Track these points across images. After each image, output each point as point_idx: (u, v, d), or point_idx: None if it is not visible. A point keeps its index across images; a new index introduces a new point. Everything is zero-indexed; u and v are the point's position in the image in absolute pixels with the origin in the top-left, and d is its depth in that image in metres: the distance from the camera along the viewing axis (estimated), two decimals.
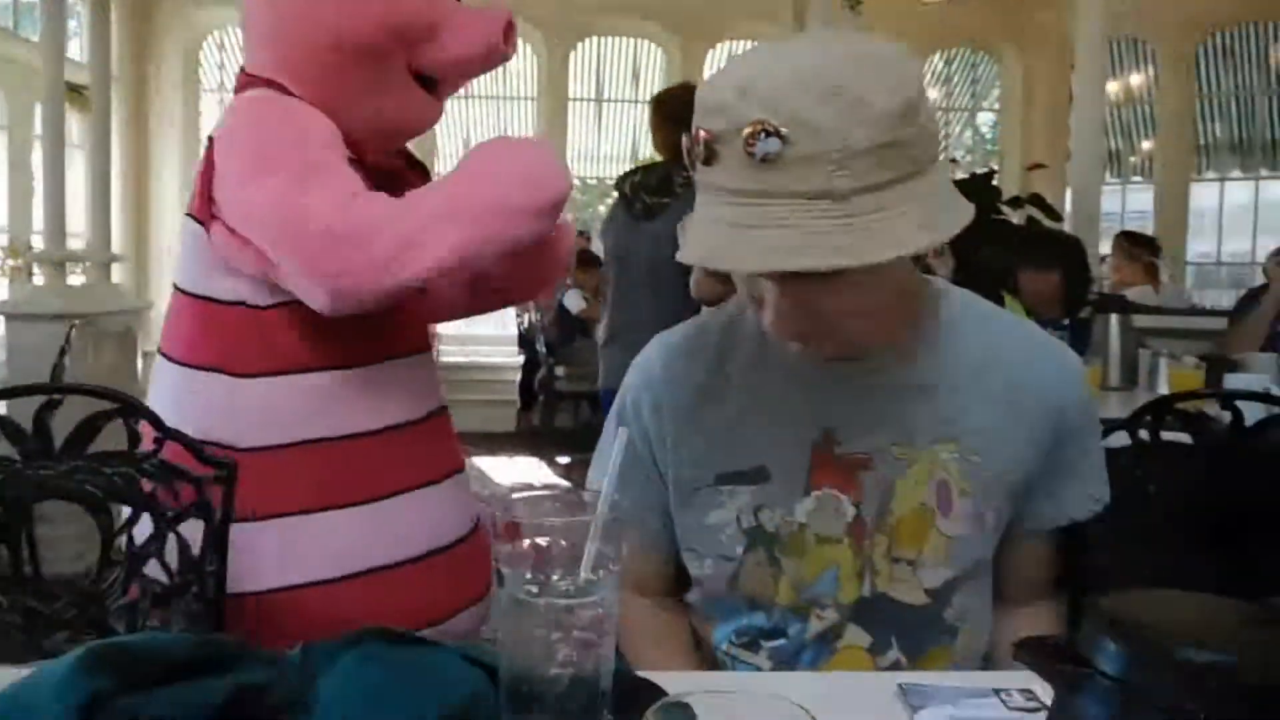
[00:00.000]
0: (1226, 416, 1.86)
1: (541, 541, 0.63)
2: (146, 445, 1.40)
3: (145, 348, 7.09)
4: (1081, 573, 1.74)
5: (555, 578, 0.62)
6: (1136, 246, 6.01)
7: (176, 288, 1.48)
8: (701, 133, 0.85)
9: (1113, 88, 8.49)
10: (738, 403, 1.03)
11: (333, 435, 1.43)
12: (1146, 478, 1.61)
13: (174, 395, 1.45)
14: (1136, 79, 8.69)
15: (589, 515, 0.64)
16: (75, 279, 4.86)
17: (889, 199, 0.82)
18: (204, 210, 1.45)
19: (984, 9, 8.00)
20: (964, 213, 0.88)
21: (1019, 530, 1.06)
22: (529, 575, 0.62)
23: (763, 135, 0.80)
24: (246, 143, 1.42)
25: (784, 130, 0.79)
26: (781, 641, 1.02)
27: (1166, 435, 1.69)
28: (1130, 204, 8.84)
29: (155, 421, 1.32)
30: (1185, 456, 1.59)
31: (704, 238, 0.86)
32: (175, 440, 1.32)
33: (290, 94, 1.49)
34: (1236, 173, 8.58)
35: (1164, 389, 2.58)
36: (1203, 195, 8.55)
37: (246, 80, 1.51)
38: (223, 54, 7.87)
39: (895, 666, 1.00)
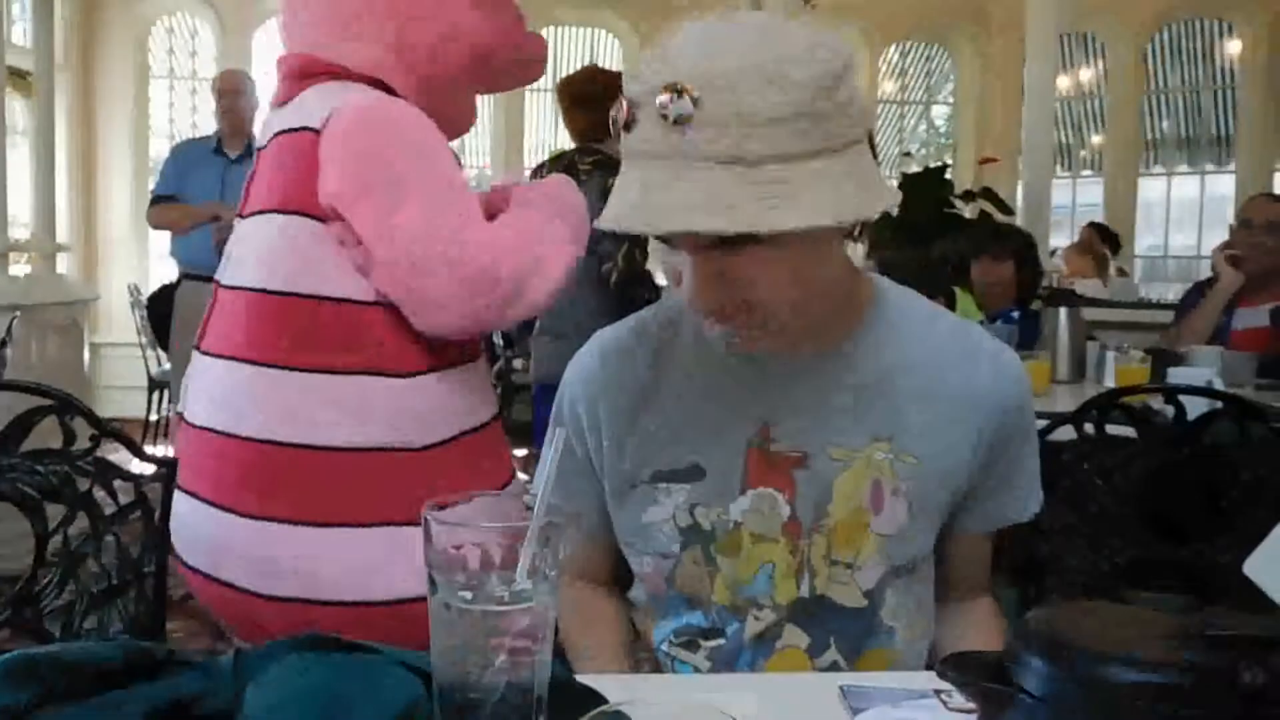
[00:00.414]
0: (1171, 410, 1.89)
1: (476, 545, 0.61)
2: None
3: (92, 339, 6.96)
4: (1032, 564, 1.77)
5: (490, 583, 0.61)
6: (1103, 240, 6.11)
7: (263, 290, 1.42)
8: (623, 99, 0.85)
9: (1063, 82, 8.59)
10: (674, 401, 1.03)
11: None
12: (1093, 472, 1.63)
13: (297, 402, 1.40)
14: (1086, 73, 8.79)
15: (526, 518, 0.63)
16: (19, 269, 4.75)
17: (799, 172, 0.82)
18: (317, 207, 1.42)
19: (939, 3, 8.05)
20: (881, 198, 0.88)
21: (957, 529, 1.06)
22: (463, 580, 0.61)
23: (674, 96, 0.80)
24: (384, 158, 1.40)
25: (696, 92, 0.80)
26: (720, 641, 1.02)
27: (1112, 429, 1.72)
28: (1081, 197, 8.95)
29: (92, 418, 1.29)
30: (1131, 450, 1.62)
31: (617, 201, 0.86)
32: (113, 436, 1.29)
33: (393, 93, 1.49)
34: (1183, 167, 8.72)
35: (1111, 382, 2.61)
36: (1151, 189, 8.68)
37: (335, 71, 1.49)
38: (172, 39, 7.70)
39: (834, 667, 1.01)
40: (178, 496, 1.41)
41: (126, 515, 1.26)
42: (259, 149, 1.57)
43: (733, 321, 0.91)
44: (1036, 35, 4.81)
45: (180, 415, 1.53)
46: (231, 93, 4.28)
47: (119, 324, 6.56)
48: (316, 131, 1.43)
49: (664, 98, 0.80)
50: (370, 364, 1.42)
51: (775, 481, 0.99)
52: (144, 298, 5.56)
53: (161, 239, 4.65)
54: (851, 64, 0.87)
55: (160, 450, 5.51)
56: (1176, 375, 2.29)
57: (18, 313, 3.60)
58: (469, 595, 0.60)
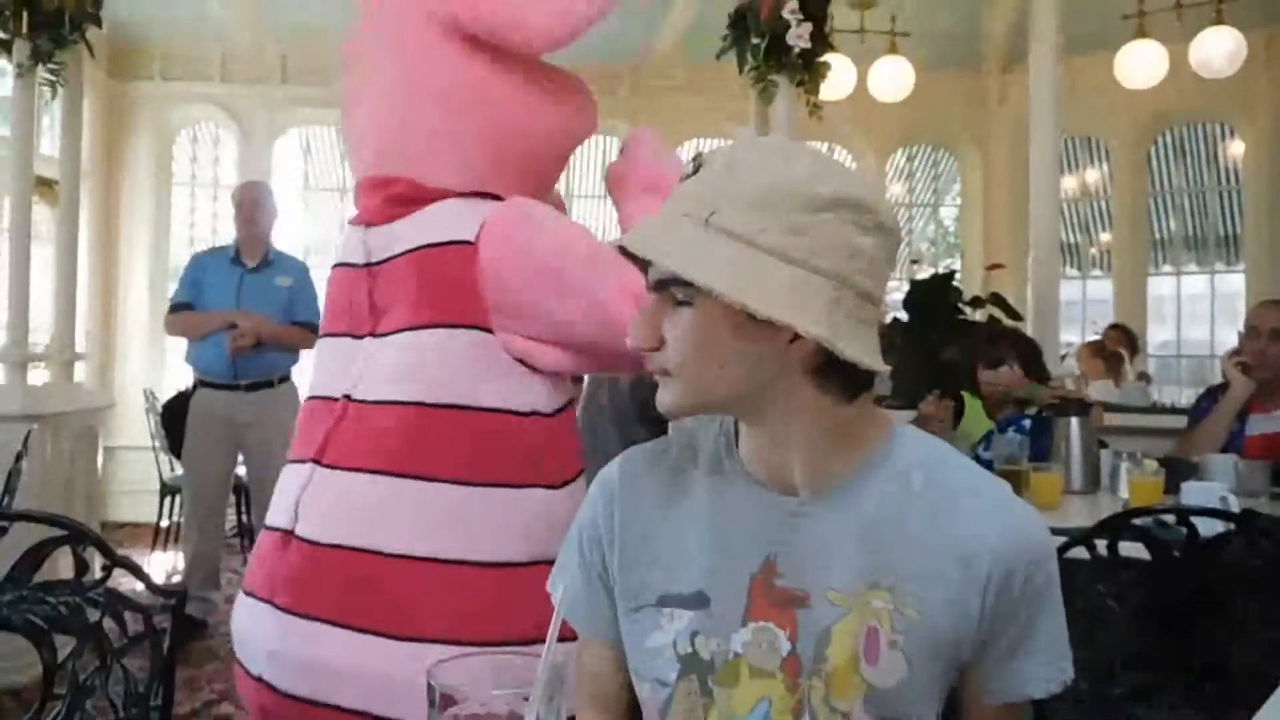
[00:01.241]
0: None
1: (476, 709, 0.61)
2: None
3: (106, 443, 7.00)
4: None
5: None
6: (1123, 339, 6.11)
7: (422, 404, 1.43)
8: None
9: (1070, 183, 8.72)
10: (687, 526, 1.04)
11: None
12: (1105, 594, 1.62)
13: (465, 516, 1.39)
14: (1092, 175, 8.94)
15: (528, 679, 0.63)
16: (37, 374, 4.81)
17: (742, 253, 0.89)
18: (484, 317, 1.45)
19: (944, 110, 8.23)
20: (843, 339, 0.91)
21: (972, 698, 1.02)
22: None
23: (693, 165, 0.96)
24: (549, 263, 1.47)
25: (704, 159, 0.95)
26: None
27: (1125, 547, 1.71)
28: (1091, 293, 9.01)
29: (104, 548, 1.30)
30: (1143, 571, 1.60)
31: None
32: (123, 567, 1.30)
33: (498, 198, 1.57)
34: (1192, 266, 8.79)
35: (1124, 494, 2.59)
36: (1161, 286, 8.73)
37: (431, 193, 1.54)
38: (195, 147, 7.92)
39: None
40: (274, 618, 1.38)
41: (134, 646, 1.26)
42: (367, 264, 1.57)
43: (649, 360, 0.98)
44: (1040, 140, 4.90)
45: (283, 530, 1.48)
46: (251, 203, 4.38)
47: (133, 428, 6.60)
48: (472, 243, 1.46)
49: (688, 166, 0.96)
50: (533, 477, 1.44)
51: (777, 617, 0.98)
52: (159, 403, 5.60)
53: (178, 345, 4.72)
54: (847, 200, 0.91)
55: (170, 555, 5.49)
56: (1189, 490, 2.27)
57: (35, 425, 3.62)
58: None
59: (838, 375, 0.95)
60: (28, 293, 4.03)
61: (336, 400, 1.52)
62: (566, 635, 1.07)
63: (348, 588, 1.39)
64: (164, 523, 5.72)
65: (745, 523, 1.01)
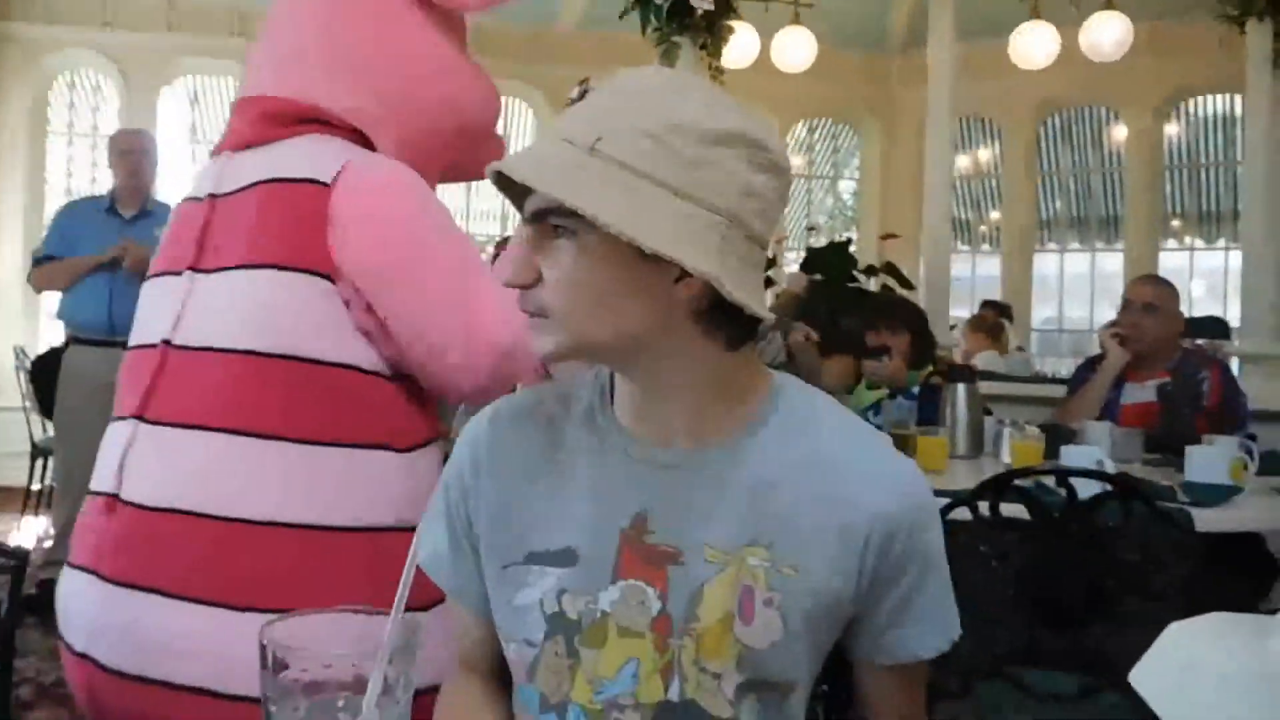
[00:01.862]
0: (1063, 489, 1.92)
1: (316, 671, 0.56)
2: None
3: None
4: None
5: (331, 717, 0.56)
6: (998, 315, 6.31)
7: (252, 352, 1.31)
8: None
9: (963, 161, 8.93)
10: (557, 480, 0.99)
11: None
12: (988, 554, 1.64)
13: (299, 476, 1.29)
14: (985, 154, 9.16)
15: (372, 638, 0.58)
16: None
17: (629, 183, 0.85)
18: (328, 265, 1.33)
19: (847, 85, 8.32)
20: (730, 272, 0.87)
21: (863, 660, 1.00)
22: (301, 712, 0.56)
23: (578, 88, 0.91)
24: (414, 231, 1.38)
25: (591, 87, 0.90)
26: None
27: (1006, 508, 1.74)
28: (980, 270, 9.25)
29: None
30: (1024, 532, 1.63)
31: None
32: None
33: (370, 145, 1.46)
34: (1075, 245, 9.09)
35: (1007, 459, 2.65)
36: (1046, 264, 9.03)
37: (319, 118, 1.44)
38: (73, 94, 7.52)
39: None
40: (98, 588, 1.28)
41: None
42: (211, 196, 1.44)
43: (522, 300, 0.93)
44: (935, 119, 4.99)
45: (107, 495, 1.35)
46: (138, 152, 4.15)
47: (4, 388, 6.26)
48: (326, 185, 1.35)
49: (574, 91, 0.90)
50: (379, 437, 1.34)
51: (647, 575, 0.94)
52: (29, 361, 5.32)
53: (52, 301, 4.47)
54: (742, 141, 0.88)
55: (43, 520, 5.23)
56: (1069, 454, 2.33)
57: None
58: None
59: (723, 320, 0.91)
60: None
61: (155, 346, 1.38)
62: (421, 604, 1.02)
63: (179, 555, 1.28)
64: (35, 485, 5.45)
65: (617, 477, 0.97)
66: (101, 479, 1.38)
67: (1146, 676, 0.67)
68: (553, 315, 0.91)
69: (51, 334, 5.64)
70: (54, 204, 6.91)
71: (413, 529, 0.95)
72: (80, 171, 7.41)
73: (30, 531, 5.40)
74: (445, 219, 1.44)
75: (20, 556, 1.19)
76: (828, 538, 0.93)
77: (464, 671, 1.08)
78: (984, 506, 1.66)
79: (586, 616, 0.95)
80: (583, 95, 0.90)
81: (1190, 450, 2.29)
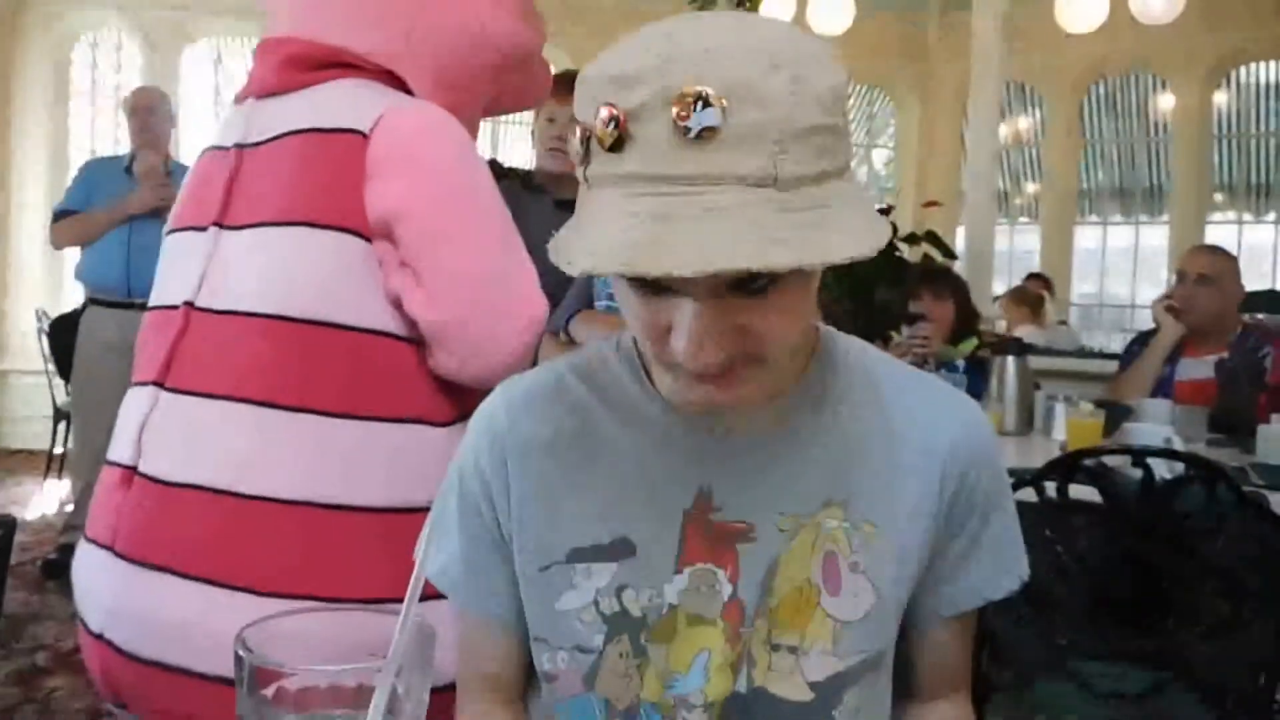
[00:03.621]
0: (1127, 467, 1.79)
1: (307, 687, 0.45)
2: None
3: None
4: (980, 641, 1.64)
5: None
6: (1040, 287, 6.15)
7: (283, 317, 1.20)
8: (608, 111, 0.66)
9: (1002, 131, 8.69)
10: (597, 466, 0.87)
11: None
12: (1052, 540, 1.52)
13: (331, 454, 1.19)
14: (1025, 123, 8.92)
15: (376, 642, 0.47)
16: None
17: (828, 194, 0.68)
18: (365, 224, 1.23)
19: (883, 50, 8.10)
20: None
21: (923, 615, 0.91)
22: None
23: (699, 105, 0.64)
24: (460, 185, 1.27)
25: (724, 100, 0.64)
26: None
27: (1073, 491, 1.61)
28: (1017, 244, 9.05)
29: None
30: (1093, 517, 1.50)
31: (618, 238, 0.65)
32: None
33: (406, 90, 1.35)
34: (1118, 218, 8.86)
35: (1060, 435, 2.52)
36: (1086, 238, 8.81)
37: (350, 62, 1.33)
38: (95, 54, 7.43)
39: None
40: (114, 567, 1.18)
41: None
42: (238, 146, 1.33)
43: (726, 378, 0.74)
44: (981, 83, 4.81)
45: (124, 466, 1.26)
46: (145, 110, 4.07)
47: (27, 351, 6.23)
48: (364, 135, 1.24)
49: (683, 104, 0.64)
50: (418, 411, 1.23)
51: (716, 557, 0.84)
52: (49, 323, 5.27)
53: (71, 261, 4.39)
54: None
55: (66, 484, 5.19)
56: (1136, 432, 2.19)
57: None
58: None
59: None
60: None
61: (176, 308, 1.28)
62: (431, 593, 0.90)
63: (202, 534, 1.18)
64: (58, 449, 5.42)
65: (672, 455, 0.86)
66: (119, 449, 1.28)
67: None
68: (768, 362, 0.75)
69: (74, 296, 5.58)
70: (77, 166, 6.85)
71: None
72: (103, 133, 7.33)
73: (53, 495, 5.37)
74: (485, 173, 1.32)
75: (7, 524, 1.08)
76: (903, 485, 0.86)
77: (477, 698, 0.95)
78: (1051, 489, 1.53)
79: (652, 612, 0.85)
80: (718, 104, 0.64)
81: (1263, 429, 2.15)
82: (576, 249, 0.68)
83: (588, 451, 0.88)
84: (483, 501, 0.89)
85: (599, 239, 0.66)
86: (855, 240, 0.66)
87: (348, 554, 1.17)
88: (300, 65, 1.32)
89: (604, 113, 0.66)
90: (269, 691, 0.45)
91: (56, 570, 3.97)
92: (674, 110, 0.64)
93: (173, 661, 1.16)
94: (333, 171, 1.23)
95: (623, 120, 0.66)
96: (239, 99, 1.40)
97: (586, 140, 0.69)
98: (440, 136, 1.28)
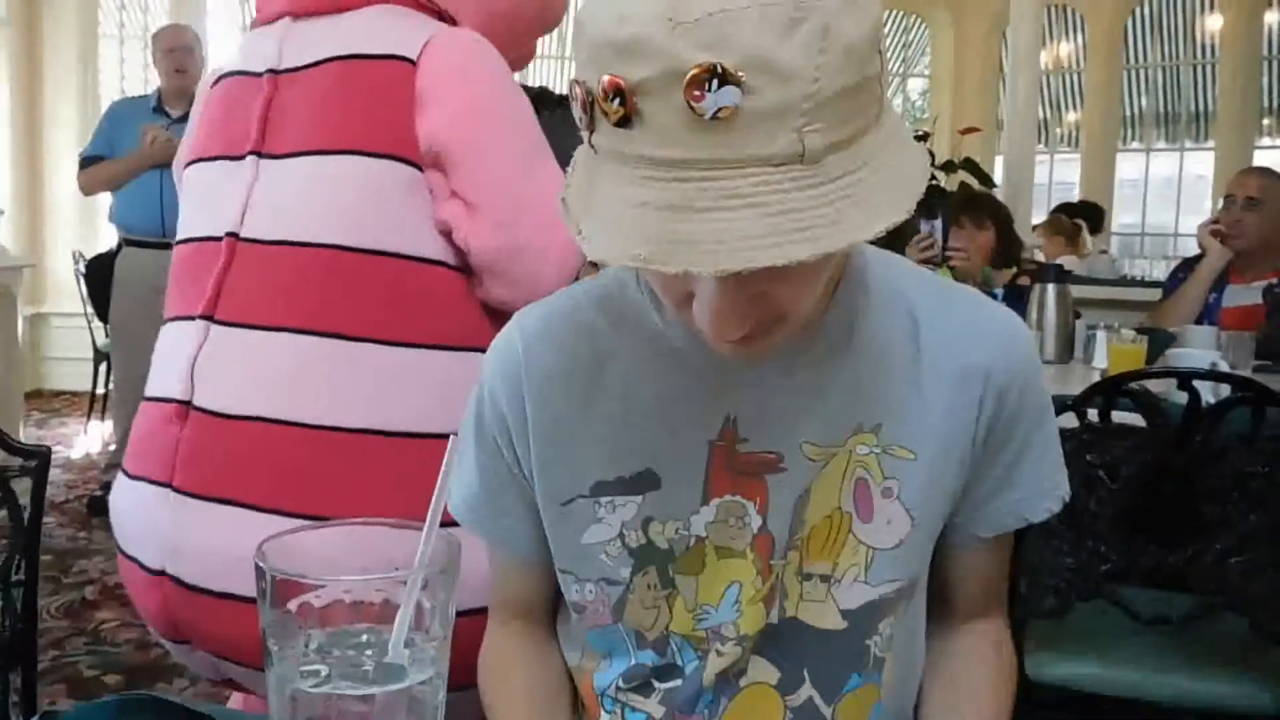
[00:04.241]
0: (1171, 393, 1.75)
1: (331, 602, 0.44)
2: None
3: (38, 309, 6.69)
4: (1018, 567, 1.62)
5: (349, 655, 0.43)
6: (1078, 216, 6.00)
7: (341, 246, 1.20)
8: (610, 81, 0.59)
9: (1042, 57, 8.47)
10: (618, 396, 0.84)
11: None
12: (1095, 465, 1.48)
13: (392, 382, 1.20)
14: (1065, 48, 8.67)
15: (403, 564, 0.45)
16: None
17: (861, 155, 0.61)
18: (415, 151, 1.22)
19: None
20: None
21: (962, 535, 0.89)
22: (311, 653, 0.43)
23: (713, 84, 0.57)
24: (503, 109, 1.26)
25: (742, 74, 0.57)
26: (677, 682, 0.85)
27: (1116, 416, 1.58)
28: (1057, 174, 8.86)
29: None
30: (1139, 440, 1.47)
31: (631, 230, 0.61)
32: None
33: (447, 20, 1.34)
34: (1161, 144, 8.63)
35: (1102, 363, 2.46)
36: (1127, 167, 8.60)
37: None
38: None
39: (808, 707, 0.84)
40: (174, 502, 1.19)
41: None
42: (271, 71, 1.31)
43: (750, 336, 0.70)
44: (1021, 6, 4.66)
45: (177, 401, 1.25)
46: (184, 50, 4.03)
47: (65, 293, 6.29)
48: (412, 63, 1.22)
49: (696, 83, 0.57)
50: (474, 338, 1.22)
51: (744, 489, 0.82)
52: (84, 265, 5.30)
53: (104, 204, 4.40)
54: None
55: (108, 425, 5.28)
56: (1181, 356, 2.13)
57: None
58: (321, 672, 0.43)
59: None
60: None
61: (219, 240, 1.27)
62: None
63: (265, 466, 1.19)
64: (100, 390, 5.50)
65: (695, 384, 0.82)
66: (166, 384, 1.27)
67: None
68: (790, 319, 0.71)
69: (109, 238, 5.61)
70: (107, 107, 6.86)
71: None
72: (133, 74, 7.32)
73: (96, 436, 5.46)
74: (527, 103, 1.31)
75: (41, 456, 1.09)
76: (939, 407, 0.82)
77: (507, 620, 0.95)
78: (1092, 414, 1.50)
79: (679, 544, 0.83)
80: (735, 82, 0.57)
81: None
82: (589, 233, 0.64)
83: (608, 382, 0.84)
84: (501, 439, 0.87)
85: (611, 229, 0.62)
86: (889, 207, 0.61)
87: (414, 480, 1.17)
88: None
89: (607, 81, 0.59)
90: (293, 605, 0.44)
91: (102, 507, 4.04)
92: (685, 88, 0.57)
93: (241, 592, 1.16)
94: (381, 98, 1.22)
95: (630, 96, 0.59)
96: (267, 19, 1.37)
97: (589, 105, 0.62)
98: (487, 62, 1.28)
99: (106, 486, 4.07)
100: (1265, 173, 3.11)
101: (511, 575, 0.93)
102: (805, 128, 0.58)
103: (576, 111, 0.63)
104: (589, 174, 0.65)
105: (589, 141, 0.64)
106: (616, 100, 0.59)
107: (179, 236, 1.37)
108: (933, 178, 3.86)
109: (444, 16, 1.34)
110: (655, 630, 0.85)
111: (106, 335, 5.23)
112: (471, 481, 0.89)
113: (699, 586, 0.84)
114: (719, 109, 0.57)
